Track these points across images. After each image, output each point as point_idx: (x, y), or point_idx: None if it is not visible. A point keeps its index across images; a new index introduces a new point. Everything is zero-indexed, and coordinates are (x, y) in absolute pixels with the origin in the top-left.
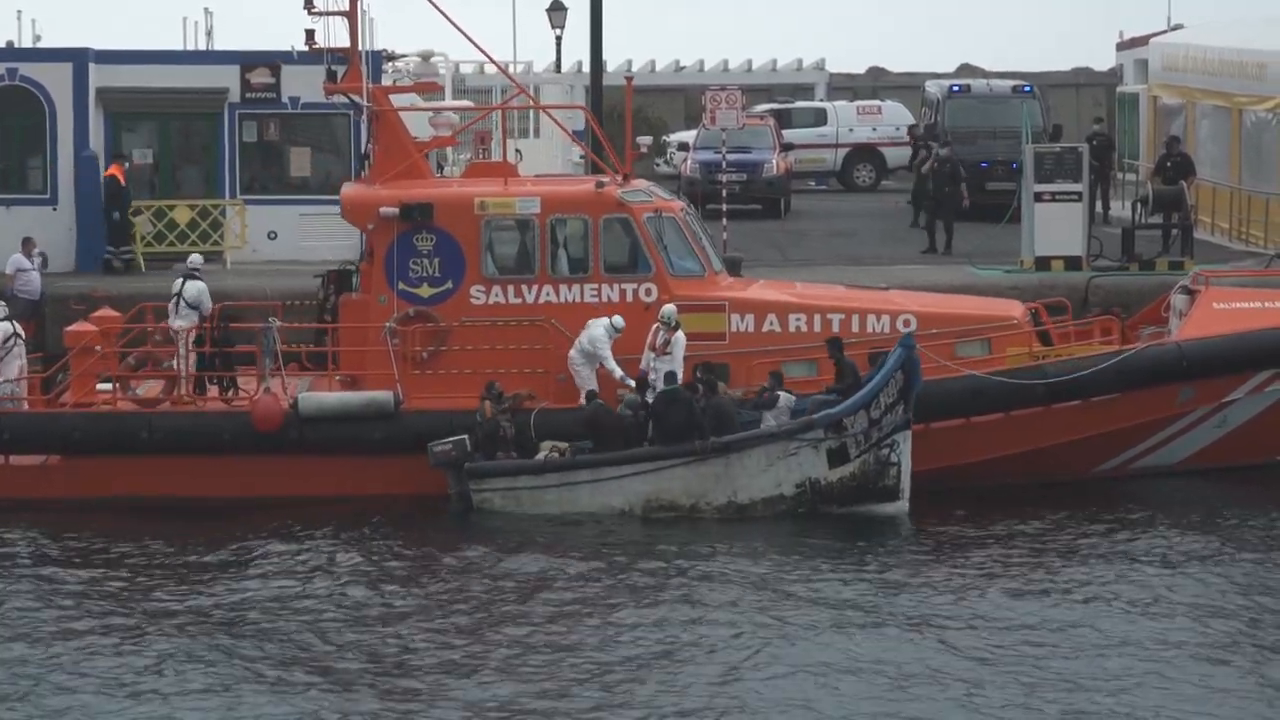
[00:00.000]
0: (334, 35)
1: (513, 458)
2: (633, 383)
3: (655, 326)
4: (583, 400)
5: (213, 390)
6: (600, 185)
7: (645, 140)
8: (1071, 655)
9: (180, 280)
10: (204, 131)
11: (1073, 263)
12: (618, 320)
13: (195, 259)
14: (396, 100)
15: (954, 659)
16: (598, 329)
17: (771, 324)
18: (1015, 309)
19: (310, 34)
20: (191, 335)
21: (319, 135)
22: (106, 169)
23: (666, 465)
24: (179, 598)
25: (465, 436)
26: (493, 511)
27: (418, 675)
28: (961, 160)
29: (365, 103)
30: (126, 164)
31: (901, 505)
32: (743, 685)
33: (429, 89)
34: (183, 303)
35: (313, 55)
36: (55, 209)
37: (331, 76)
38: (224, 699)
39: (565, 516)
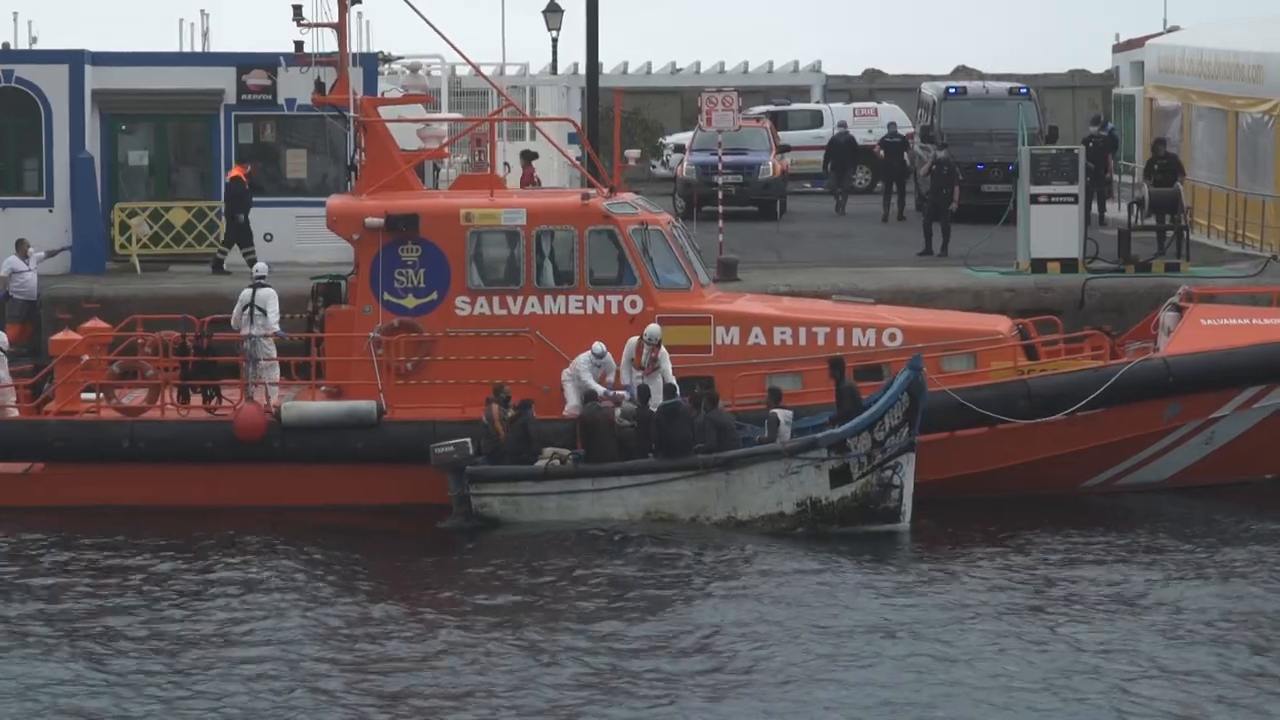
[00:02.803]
0: (323, 45)
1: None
2: (623, 393)
3: (637, 343)
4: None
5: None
6: (586, 197)
7: (634, 153)
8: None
9: (250, 290)
10: (200, 133)
11: (1069, 265)
12: (598, 347)
13: (260, 267)
14: (385, 112)
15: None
16: (580, 358)
17: (757, 337)
18: (1002, 324)
19: (299, 45)
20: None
21: (315, 137)
22: (230, 170)
23: (668, 479)
24: (161, 606)
25: (468, 439)
26: (491, 516)
27: (412, 688)
28: (958, 162)
29: (353, 114)
30: (249, 166)
31: (903, 526)
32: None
33: (419, 100)
34: (256, 311)
35: (302, 64)
36: (51, 210)
37: (320, 88)
38: (208, 705)
39: (564, 524)
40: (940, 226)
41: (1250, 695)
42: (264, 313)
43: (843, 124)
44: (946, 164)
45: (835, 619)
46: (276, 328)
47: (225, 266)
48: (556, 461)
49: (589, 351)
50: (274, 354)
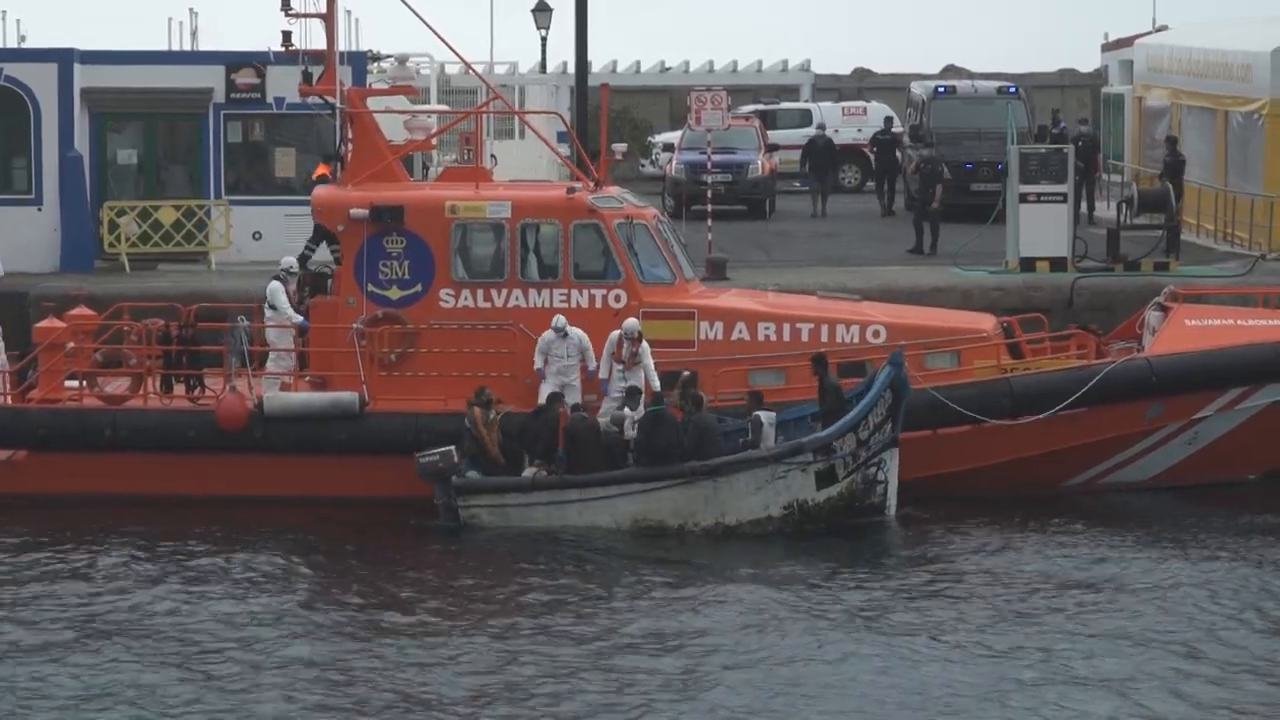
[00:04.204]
0: (312, 37)
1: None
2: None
3: (618, 338)
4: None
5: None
6: (572, 191)
7: (620, 147)
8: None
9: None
10: (189, 132)
11: (1058, 264)
12: (558, 321)
13: (287, 260)
14: (372, 103)
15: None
16: (541, 338)
17: (740, 332)
18: (986, 322)
19: (287, 36)
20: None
21: (304, 136)
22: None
23: (655, 486)
24: (140, 598)
25: (452, 448)
26: (480, 527)
27: (397, 684)
28: (947, 161)
29: (340, 104)
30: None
31: (888, 520)
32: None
33: (406, 93)
34: (267, 307)
35: (290, 56)
36: (40, 209)
37: (307, 78)
38: (190, 705)
39: (552, 533)
40: (929, 225)
41: (1242, 688)
42: (274, 308)
43: (822, 126)
44: (931, 162)
45: (824, 621)
46: (295, 317)
47: (214, 265)
48: (543, 473)
49: (549, 330)
50: (285, 345)
